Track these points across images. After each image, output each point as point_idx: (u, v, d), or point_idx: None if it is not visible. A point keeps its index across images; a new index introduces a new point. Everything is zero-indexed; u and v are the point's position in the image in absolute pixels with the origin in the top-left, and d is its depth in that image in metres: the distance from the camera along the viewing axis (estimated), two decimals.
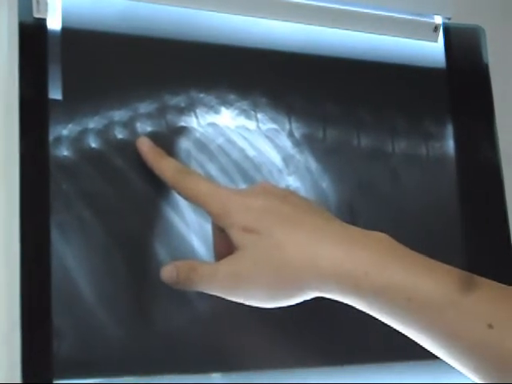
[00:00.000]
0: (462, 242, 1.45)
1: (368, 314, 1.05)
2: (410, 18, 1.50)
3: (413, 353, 1.29)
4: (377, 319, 1.05)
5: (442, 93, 1.52)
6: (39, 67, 1.20)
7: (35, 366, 1.08)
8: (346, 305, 1.05)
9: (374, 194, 1.41)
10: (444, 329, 0.97)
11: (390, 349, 1.33)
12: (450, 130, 1.51)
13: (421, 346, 1.05)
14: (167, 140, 1.27)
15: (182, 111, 1.29)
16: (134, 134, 1.24)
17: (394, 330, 1.05)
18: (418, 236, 1.41)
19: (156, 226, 1.22)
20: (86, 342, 1.15)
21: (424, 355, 1.23)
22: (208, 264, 1.12)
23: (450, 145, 1.50)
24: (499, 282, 1.33)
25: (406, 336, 1.06)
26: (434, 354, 1.04)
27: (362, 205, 1.39)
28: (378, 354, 1.34)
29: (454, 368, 1.02)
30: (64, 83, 1.21)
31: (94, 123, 1.22)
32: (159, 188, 1.21)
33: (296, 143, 1.37)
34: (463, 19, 1.55)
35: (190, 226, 1.24)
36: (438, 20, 1.53)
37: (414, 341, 1.05)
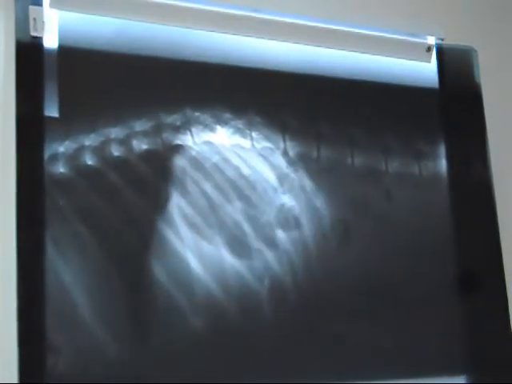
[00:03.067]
0: (455, 258, 1.46)
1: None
2: (404, 38, 1.52)
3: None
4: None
5: (434, 112, 1.54)
6: (36, 85, 1.21)
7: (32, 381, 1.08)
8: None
9: (367, 212, 1.42)
10: None
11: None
12: (442, 149, 1.52)
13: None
14: (163, 158, 1.27)
15: (177, 129, 1.30)
16: (130, 152, 1.24)
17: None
18: (412, 253, 1.42)
19: (152, 242, 1.22)
20: (82, 357, 1.14)
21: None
22: None
23: (442, 163, 1.51)
24: (491, 297, 1.35)
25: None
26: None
27: (356, 223, 1.39)
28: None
29: None
30: (60, 101, 1.21)
31: (90, 140, 1.22)
32: (155, 205, 1.21)
33: (290, 162, 1.37)
34: (456, 40, 1.56)
35: (186, 243, 1.24)
36: (431, 41, 1.55)
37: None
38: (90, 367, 1.15)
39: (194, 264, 1.23)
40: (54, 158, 1.19)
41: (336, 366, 1.32)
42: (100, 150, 1.22)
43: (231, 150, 1.33)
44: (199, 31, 1.35)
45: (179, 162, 1.28)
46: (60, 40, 1.24)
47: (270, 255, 1.30)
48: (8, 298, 1.11)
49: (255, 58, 1.40)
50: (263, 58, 1.40)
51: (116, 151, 1.23)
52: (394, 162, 1.46)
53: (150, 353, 1.19)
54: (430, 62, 1.55)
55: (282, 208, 1.33)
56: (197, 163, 1.29)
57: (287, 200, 1.35)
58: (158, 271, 1.21)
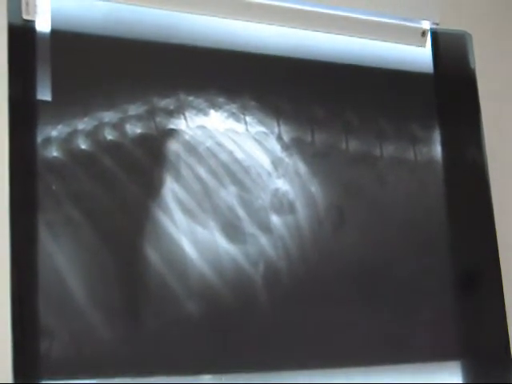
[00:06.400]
0: (449, 242, 1.46)
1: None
2: (398, 23, 1.52)
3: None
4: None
5: (429, 97, 1.53)
6: (28, 68, 1.20)
7: (25, 367, 1.08)
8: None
9: (362, 196, 1.41)
10: None
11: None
12: (437, 134, 1.52)
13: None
14: (156, 142, 1.27)
15: (171, 113, 1.29)
16: (124, 136, 1.24)
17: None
18: (406, 238, 1.42)
19: (146, 226, 1.22)
20: (76, 342, 1.14)
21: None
22: None
23: (437, 148, 1.51)
24: (485, 279, 1.35)
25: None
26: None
27: (351, 208, 1.39)
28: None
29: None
30: (53, 84, 1.21)
31: (83, 124, 1.22)
32: (149, 189, 1.20)
33: (285, 146, 1.37)
34: (451, 25, 1.56)
35: (180, 228, 1.24)
36: (426, 25, 1.54)
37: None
38: (83, 351, 1.15)
39: (188, 248, 1.23)
40: (47, 141, 1.18)
41: (329, 351, 1.32)
42: (93, 134, 1.22)
43: (225, 135, 1.32)
44: (193, 15, 1.35)
45: (173, 146, 1.28)
46: (53, 23, 1.23)
47: (264, 240, 1.30)
48: (1, 282, 1.10)
49: (249, 42, 1.39)
50: (257, 42, 1.39)
51: (109, 135, 1.23)
52: (388, 147, 1.46)
53: (143, 336, 1.19)
54: (424, 46, 1.54)
55: (276, 193, 1.33)
56: (190, 147, 1.29)
57: (281, 185, 1.34)
58: (152, 255, 1.21)
